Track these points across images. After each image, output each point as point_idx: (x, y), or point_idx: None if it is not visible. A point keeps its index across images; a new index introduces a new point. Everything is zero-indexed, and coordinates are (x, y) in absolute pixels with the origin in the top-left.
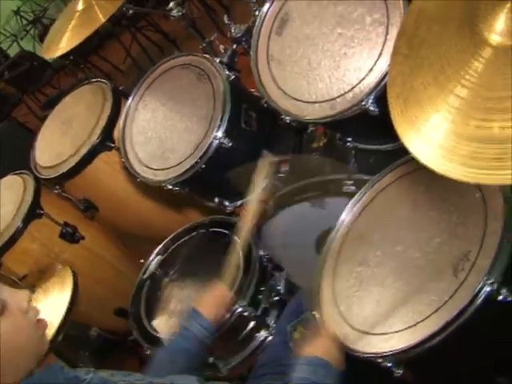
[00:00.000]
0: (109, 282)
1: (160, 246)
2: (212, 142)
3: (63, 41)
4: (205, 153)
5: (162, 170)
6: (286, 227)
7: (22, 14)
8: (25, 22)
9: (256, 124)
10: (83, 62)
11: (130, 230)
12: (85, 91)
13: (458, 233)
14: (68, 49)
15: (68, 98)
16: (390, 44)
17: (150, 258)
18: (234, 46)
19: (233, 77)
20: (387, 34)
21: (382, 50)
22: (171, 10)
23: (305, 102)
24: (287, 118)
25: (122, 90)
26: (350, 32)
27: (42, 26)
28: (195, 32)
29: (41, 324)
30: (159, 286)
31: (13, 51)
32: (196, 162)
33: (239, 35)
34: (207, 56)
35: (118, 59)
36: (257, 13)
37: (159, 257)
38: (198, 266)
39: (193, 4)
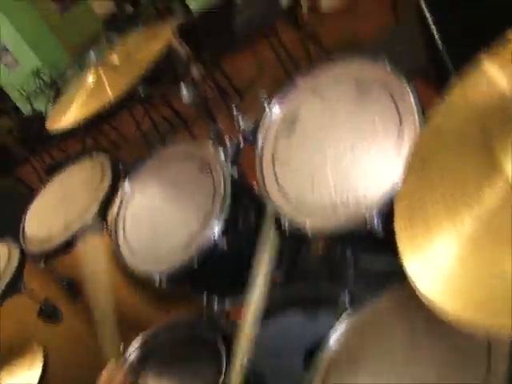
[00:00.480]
0: (84, 362)
1: (140, 337)
2: (207, 239)
3: (68, 115)
4: (198, 249)
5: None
6: (273, 338)
7: (41, 75)
8: (42, 82)
9: (255, 223)
10: (93, 128)
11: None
12: (85, 165)
13: (458, 374)
14: (72, 123)
15: (68, 170)
16: (401, 148)
17: (129, 349)
18: (241, 139)
19: (235, 173)
20: (399, 137)
21: (392, 154)
22: (182, 92)
23: (306, 206)
24: (286, 222)
25: (124, 165)
26: (361, 136)
27: (57, 90)
28: (206, 115)
29: None
30: (137, 376)
31: (26, 108)
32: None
33: (247, 130)
34: (212, 147)
35: (128, 130)
36: (267, 107)
37: (138, 348)
38: (174, 367)
39: (207, 84)
